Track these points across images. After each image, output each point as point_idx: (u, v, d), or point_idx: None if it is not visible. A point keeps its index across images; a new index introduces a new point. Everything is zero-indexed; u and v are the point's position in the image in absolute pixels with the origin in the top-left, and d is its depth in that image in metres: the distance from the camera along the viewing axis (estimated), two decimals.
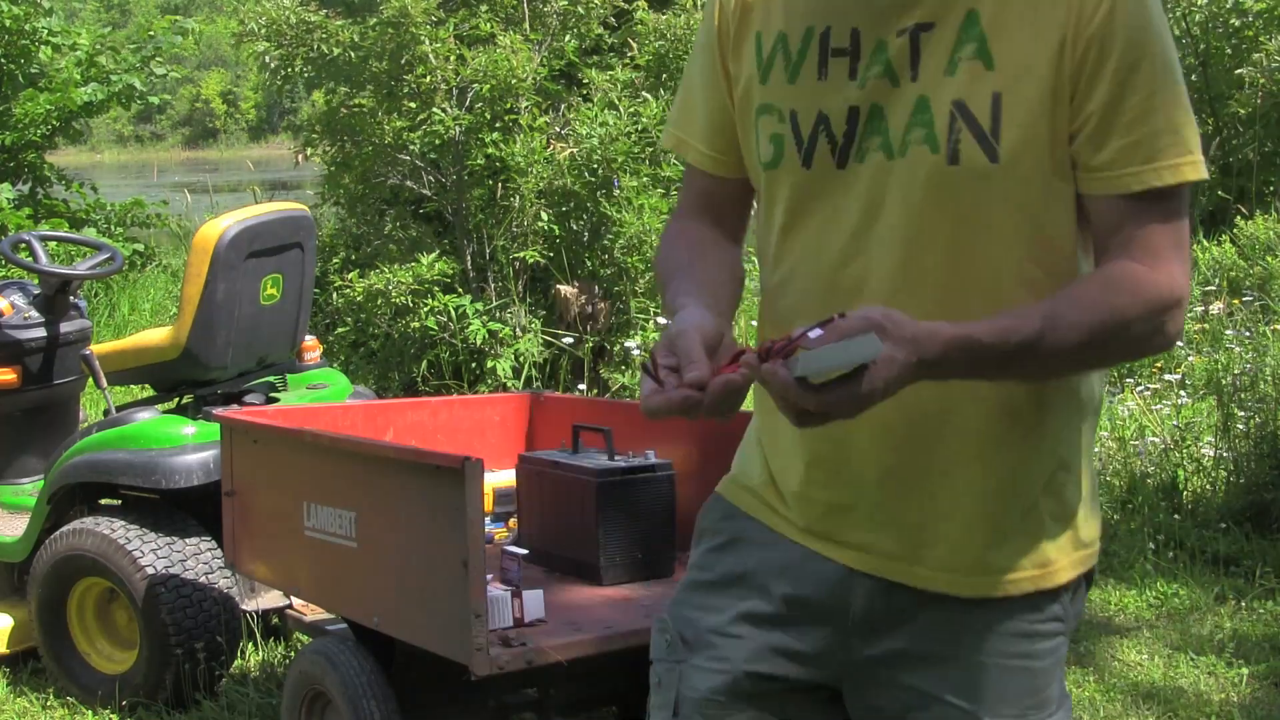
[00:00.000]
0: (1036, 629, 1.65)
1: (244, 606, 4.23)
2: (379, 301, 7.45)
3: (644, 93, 7.78)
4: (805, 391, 1.39)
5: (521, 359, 7.35)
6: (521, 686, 3.26)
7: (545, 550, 3.48)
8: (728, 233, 1.82)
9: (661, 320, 6.83)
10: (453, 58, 7.69)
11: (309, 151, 8.69)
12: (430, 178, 8.10)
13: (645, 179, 7.42)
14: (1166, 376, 6.27)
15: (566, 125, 7.90)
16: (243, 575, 4.00)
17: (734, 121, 1.75)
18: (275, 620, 4.47)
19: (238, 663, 4.28)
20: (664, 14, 8.03)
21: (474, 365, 7.49)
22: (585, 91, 8.11)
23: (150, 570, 4.01)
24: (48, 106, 10.03)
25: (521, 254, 7.60)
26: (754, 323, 2.05)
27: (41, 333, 4.51)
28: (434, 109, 7.65)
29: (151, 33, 10.98)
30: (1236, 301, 7.25)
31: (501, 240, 7.75)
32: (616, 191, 7.38)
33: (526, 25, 8.10)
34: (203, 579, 4.04)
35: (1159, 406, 6.08)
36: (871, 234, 1.62)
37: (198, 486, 4.03)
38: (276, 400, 4.60)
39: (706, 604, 1.74)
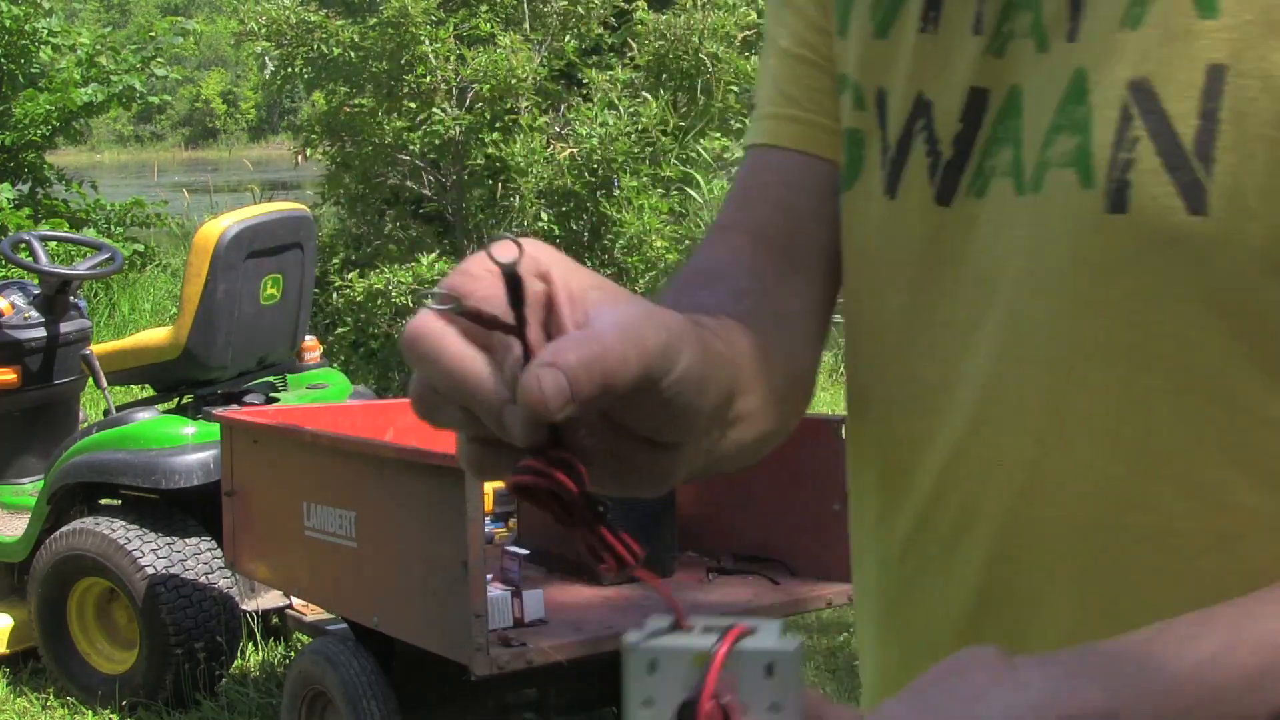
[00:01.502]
0: None
1: (244, 606, 4.24)
2: (379, 302, 7.45)
3: (644, 93, 7.78)
4: None
5: None
6: (521, 686, 3.26)
7: (545, 550, 3.48)
8: (804, 278, 0.92)
9: None
10: (453, 58, 7.70)
11: (309, 151, 8.70)
12: (430, 178, 8.10)
13: (645, 179, 7.43)
14: None
15: (566, 125, 7.91)
16: (243, 575, 4.01)
17: (826, 59, 0.94)
18: (275, 620, 4.47)
19: (238, 663, 4.28)
20: (664, 14, 8.04)
21: None
22: (585, 91, 8.12)
23: (150, 570, 4.01)
24: (48, 106, 10.03)
25: None
26: None
27: (41, 333, 4.52)
28: (434, 109, 7.66)
29: (152, 34, 10.99)
30: None
31: None
32: (616, 191, 7.39)
33: (526, 25, 8.10)
34: (203, 579, 4.04)
35: None
36: (979, 340, 0.84)
37: (198, 486, 4.04)
38: (276, 400, 4.60)
39: None
